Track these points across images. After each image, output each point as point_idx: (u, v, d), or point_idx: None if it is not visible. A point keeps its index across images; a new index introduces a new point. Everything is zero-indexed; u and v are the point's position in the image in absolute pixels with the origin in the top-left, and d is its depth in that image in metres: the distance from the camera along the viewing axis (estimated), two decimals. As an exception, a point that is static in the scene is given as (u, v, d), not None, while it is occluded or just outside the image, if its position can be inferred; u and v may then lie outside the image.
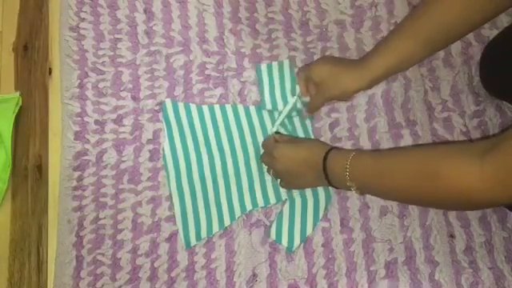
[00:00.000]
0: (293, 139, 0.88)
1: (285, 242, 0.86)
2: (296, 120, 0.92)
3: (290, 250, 0.86)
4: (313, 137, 0.92)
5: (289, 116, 0.92)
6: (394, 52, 0.79)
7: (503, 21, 0.97)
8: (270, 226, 0.87)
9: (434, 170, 0.61)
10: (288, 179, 0.85)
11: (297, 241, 0.86)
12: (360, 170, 0.72)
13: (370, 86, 0.83)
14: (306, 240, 0.87)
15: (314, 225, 0.87)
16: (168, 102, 0.93)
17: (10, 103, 0.94)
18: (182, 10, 1.00)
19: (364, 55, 0.86)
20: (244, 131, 0.92)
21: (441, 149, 0.67)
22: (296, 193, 0.88)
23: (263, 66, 0.94)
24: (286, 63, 0.94)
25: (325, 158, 0.77)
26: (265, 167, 0.89)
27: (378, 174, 0.70)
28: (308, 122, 0.93)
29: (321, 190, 0.88)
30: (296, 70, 0.95)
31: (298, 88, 0.91)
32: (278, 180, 0.88)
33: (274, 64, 0.94)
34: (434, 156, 0.64)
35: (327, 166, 0.76)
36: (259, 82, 0.94)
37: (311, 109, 0.91)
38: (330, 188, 0.88)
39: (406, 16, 0.81)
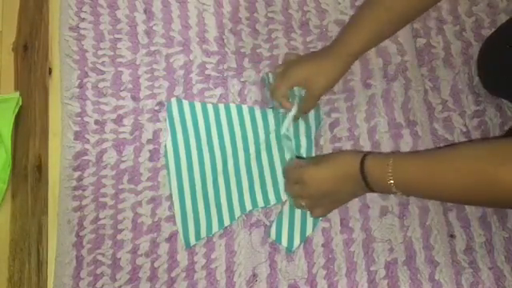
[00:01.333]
0: (315, 158, 0.84)
1: (284, 242, 0.86)
2: (301, 123, 0.91)
3: (289, 251, 0.86)
4: (313, 138, 0.91)
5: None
6: (365, 29, 0.80)
7: (503, 20, 0.97)
8: (270, 226, 0.87)
9: (492, 176, 0.60)
10: (324, 201, 0.80)
11: (296, 241, 0.86)
12: (406, 174, 0.69)
13: (345, 71, 0.84)
14: (305, 240, 0.87)
15: (314, 225, 0.87)
16: (173, 101, 0.93)
17: (9, 103, 0.94)
18: (181, 10, 1.00)
19: (335, 40, 0.85)
20: (247, 131, 0.93)
21: (495, 151, 0.63)
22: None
23: (271, 75, 0.93)
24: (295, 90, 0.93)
25: (362, 168, 0.73)
26: (282, 201, 0.87)
27: (427, 177, 0.67)
28: (312, 125, 0.92)
29: None
30: (267, 86, 0.92)
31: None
32: (310, 212, 0.83)
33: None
34: (491, 161, 0.61)
35: (366, 175, 0.72)
36: (267, 85, 0.93)
37: (305, 111, 0.89)
38: None
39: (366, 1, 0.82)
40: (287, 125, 0.87)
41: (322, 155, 0.88)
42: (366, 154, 0.74)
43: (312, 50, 0.97)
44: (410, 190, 0.71)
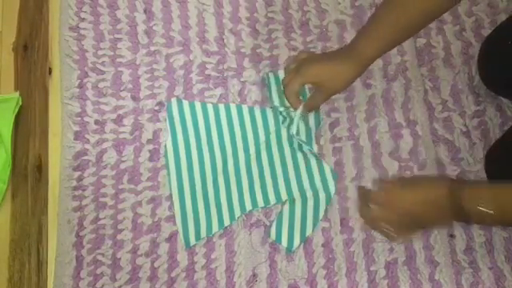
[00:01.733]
0: (401, 181, 0.81)
1: (284, 242, 0.86)
2: (301, 124, 0.91)
3: (289, 251, 0.86)
4: (314, 140, 0.91)
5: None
6: (379, 35, 0.79)
7: (503, 19, 0.97)
8: (270, 226, 0.87)
9: None
10: (409, 226, 0.77)
11: (296, 241, 0.86)
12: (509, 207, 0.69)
13: (360, 75, 0.83)
14: (305, 240, 0.87)
15: (314, 225, 0.87)
16: (173, 101, 0.93)
17: (9, 103, 0.94)
18: (181, 10, 1.00)
19: (350, 43, 0.84)
20: (247, 131, 0.93)
21: None
22: (296, 194, 0.88)
23: (271, 74, 0.93)
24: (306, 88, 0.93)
25: (456, 196, 0.70)
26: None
27: None
28: (312, 126, 0.91)
29: (321, 191, 0.88)
30: (281, 81, 0.91)
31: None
32: (391, 237, 0.78)
33: (281, 72, 0.94)
34: None
35: (464, 204, 0.69)
36: (268, 85, 0.93)
37: (311, 108, 0.88)
38: (330, 187, 0.88)
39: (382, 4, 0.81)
40: (297, 123, 0.86)
41: (417, 177, 0.86)
42: (460, 183, 0.72)
43: (312, 50, 0.97)
44: (508, 220, 0.72)
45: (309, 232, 0.87)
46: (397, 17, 0.76)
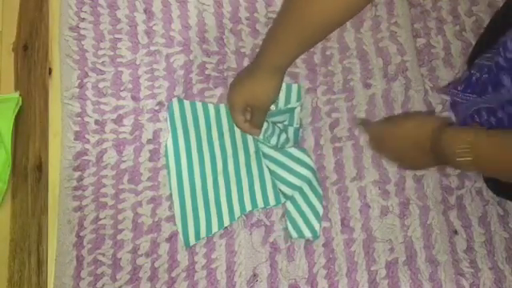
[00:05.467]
0: (397, 117, 0.84)
1: (307, 233, 0.86)
2: (289, 128, 0.91)
3: (316, 237, 0.87)
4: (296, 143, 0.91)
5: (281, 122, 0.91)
6: (289, 44, 0.76)
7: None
8: (287, 229, 0.87)
9: None
10: (403, 156, 0.82)
11: (316, 225, 0.87)
12: (489, 156, 0.67)
13: (282, 77, 0.81)
14: (321, 220, 0.88)
15: (321, 202, 0.88)
16: (174, 101, 0.93)
17: (9, 103, 0.94)
18: (182, 10, 1.00)
19: (259, 54, 0.82)
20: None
21: None
22: (295, 192, 0.88)
23: None
24: (295, 88, 0.94)
25: (436, 139, 0.72)
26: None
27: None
28: (295, 113, 0.92)
29: (306, 172, 0.88)
30: (302, 94, 0.93)
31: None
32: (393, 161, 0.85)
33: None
34: None
35: (443, 147, 0.71)
36: None
37: (257, 125, 0.86)
38: (309, 163, 0.89)
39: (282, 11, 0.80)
40: (270, 139, 0.88)
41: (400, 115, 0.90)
42: (445, 125, 0.72)
43: (312, 49, 0.97)
44: (487, 170, 0.70)
45: (321, 211, 0.88)
46: (299, 28, 0.74)
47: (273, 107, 0.90)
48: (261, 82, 0.80)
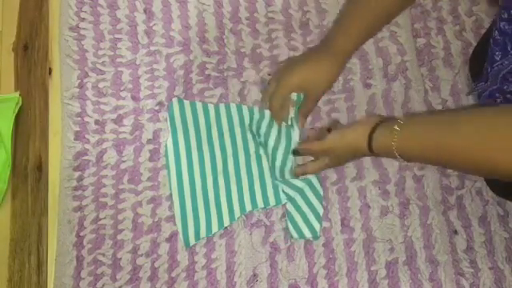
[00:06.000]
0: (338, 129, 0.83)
1: (307, 233, 0.86)
2: (282, 130, 0.90)
3: (316, 238, 0.87)
4: (293, 145, 0.88)
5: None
6: (354, 28, 0.81)
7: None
8: (287, 229, 0.87)
9: (493, 162, 0.59)
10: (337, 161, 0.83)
11: (316, 226, 0.86)
12: (410, 146, 0.68)
13: (344, 65, 0.85)
14: (322, 220, 0.88)
15: (321, 202, 0.88)
16: (174, 101, 0.93)
17: (9, 103, 0.94)
18: (182, 10, 1.00)
19: (325, 39, 0.86)
20: (247, 132, 0.92)
21: (497, 134, 0.59)
22: (295, 193, 0.88)
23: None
24: (293, 96, 0.91)
25: (370, 139, 0.73)
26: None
27: (430, 149, 0.66)
28: (295, 132, 0.89)
29: (313, 178, 0.88)
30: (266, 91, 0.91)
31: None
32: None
33: None
34: (493, 147, 0.59)
35: (373, 142, 0.73)
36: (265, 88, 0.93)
37: (305, 114, 0.88)
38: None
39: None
40: (296, 138, 0.86)
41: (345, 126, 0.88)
42: (376, 125, 0.73)
43: (312, 50, 0.97)
44: (412, 158, 0.70)
45: (321, 211, 0.87)
46: (363, 11, 0.79)
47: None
48: (324, 63, 0.82)
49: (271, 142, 0.88)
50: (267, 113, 0.92)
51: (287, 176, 0.87)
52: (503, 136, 0.57)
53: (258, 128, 0.91)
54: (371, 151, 0.73)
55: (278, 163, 0.87)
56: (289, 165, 0.87)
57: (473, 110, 0.68)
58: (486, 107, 0.72)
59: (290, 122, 0.86)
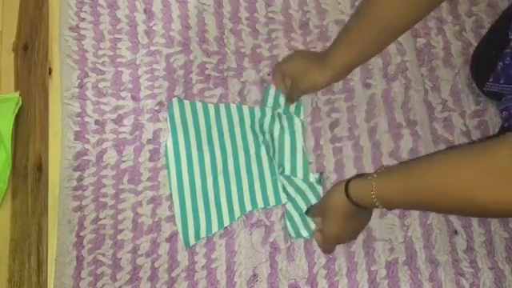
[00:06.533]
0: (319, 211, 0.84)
1: (304, 232, 0.86)
2: (285, 124, 0.92)
3: (312, 237, 0.87)
4: (301, 141, 0.91)
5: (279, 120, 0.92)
6: (350, 49, 0.80)
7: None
8: (286, 228, 0.87)
9: (467, 198, 0.58)
10: (348, 236, 0.84)
11: (313, 225, 0.86)
12: (387, 196, 0.69)
13: (334, 81, 0.86)
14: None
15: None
16: (175, 101, 0.93)
17: (9, 103, 0.94)
18: (181, 10, 1.00)
19: (328, 48, 0.86)
20: (246, 132, 0.92)
21: (467, 172, 0.59)
22: (296, 193, 0.88)
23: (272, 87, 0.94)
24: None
25: (347, 194, 0.74)
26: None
27: (406, 198, 0.67)
28: (297, 126, 0.92)
29: (312, 179, 0.89)
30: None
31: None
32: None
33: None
34: (466, 178, 0.59)
35: (352, 198, 0.73)
36: (264, 95, 0.94)
37: (289, 100, 0.92)
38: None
39: (355, 13, 0.82)
40: (299, 129, 0.91)
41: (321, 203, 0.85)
42: (348, 182, 0.75)
43: (312, 50, 0.97)
44: (392, 203, 0.71)
45: None
46: (367, 25, 0.76)
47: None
48: (317, 70, 0.83)
49: (276, 132, 0.91)
50: (268, 111, 0.92)
51: (296, 165, 0.90)
52: (475, 168, 0.58)
53: (261, 125, 0.91)
54: (351, 200, 0.73)
55: (286, 151, 0.90)
56: (298, 156, 0.90)
57: (444, 150, 0.70)
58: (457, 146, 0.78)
59: (292, 109, 0.92)
